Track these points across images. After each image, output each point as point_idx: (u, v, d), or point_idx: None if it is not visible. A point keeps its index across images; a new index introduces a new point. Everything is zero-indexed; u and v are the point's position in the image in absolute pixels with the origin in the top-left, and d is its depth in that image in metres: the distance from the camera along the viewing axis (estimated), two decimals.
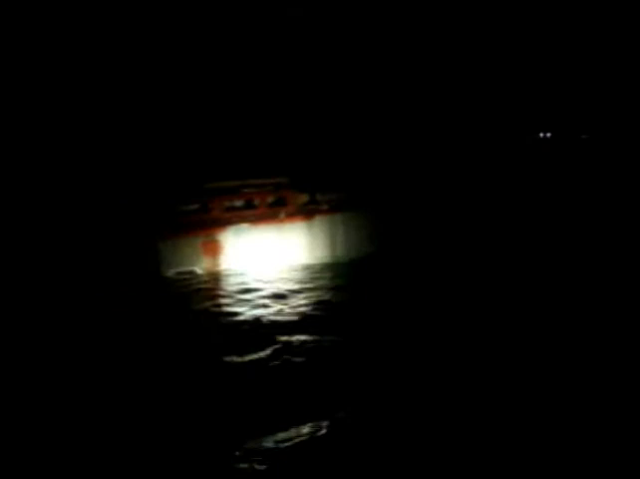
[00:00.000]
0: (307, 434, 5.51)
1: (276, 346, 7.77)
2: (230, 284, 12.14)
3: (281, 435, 5.51)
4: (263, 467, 5.04)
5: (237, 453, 5.27)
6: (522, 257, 12.96)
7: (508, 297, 9.75)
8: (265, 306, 9.94)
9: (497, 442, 5.26)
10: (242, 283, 12.14)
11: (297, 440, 5.42)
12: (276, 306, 9.93)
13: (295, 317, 9.14)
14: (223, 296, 11.07)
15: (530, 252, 13.36)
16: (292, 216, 14.22)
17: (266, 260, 13.94)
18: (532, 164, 18.18)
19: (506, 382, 6.36)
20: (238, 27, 18.61)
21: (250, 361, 7.33)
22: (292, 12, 18.67)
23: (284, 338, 8.07)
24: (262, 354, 7.53)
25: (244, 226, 13.83)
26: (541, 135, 19.71)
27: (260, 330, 8.59)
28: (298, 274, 12.84)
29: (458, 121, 19.19)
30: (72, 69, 15.84)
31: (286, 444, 5.37)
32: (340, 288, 11.12)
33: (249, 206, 14.18)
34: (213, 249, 13.61)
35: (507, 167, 17.53)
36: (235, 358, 7.44)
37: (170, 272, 13.11)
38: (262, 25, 18.90)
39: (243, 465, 5.10)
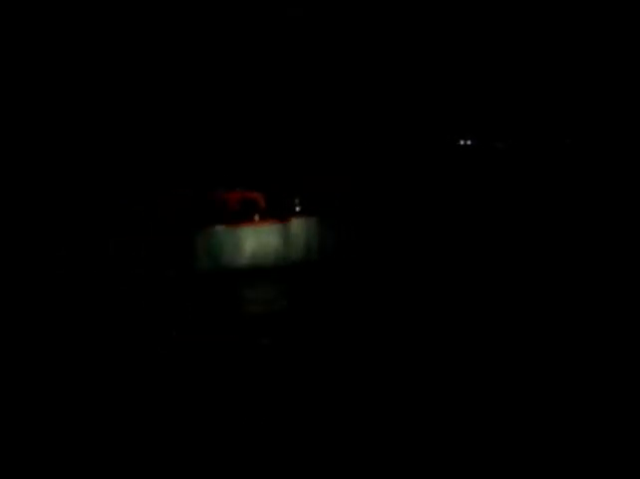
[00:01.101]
0: None
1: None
2: (199, 286, 12.33)
3: None
4: None
5: None
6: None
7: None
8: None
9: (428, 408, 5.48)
10: (212, 286, 12.41)
11: None
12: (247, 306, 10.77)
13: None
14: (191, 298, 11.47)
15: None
16: (266, 218, 13.70)
17: (240, 263, 13.45)
18: (461, 169, 18.51)
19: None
20: (238, 27, 18.58)
21: None
22: (292, 12, 18.62)
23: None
24: None
25: (218, 227, 13.24)
26: (464, 142, 19.73)
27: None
28: (271, 275, 13.16)
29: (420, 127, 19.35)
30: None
31: None
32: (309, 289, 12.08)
33: (222, 207, 13.69)
34: (184, 251, 13.03)
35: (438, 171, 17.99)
36: None
37: (135, 274, 12.52)
38: (262, 25, 18.88)
39: None
